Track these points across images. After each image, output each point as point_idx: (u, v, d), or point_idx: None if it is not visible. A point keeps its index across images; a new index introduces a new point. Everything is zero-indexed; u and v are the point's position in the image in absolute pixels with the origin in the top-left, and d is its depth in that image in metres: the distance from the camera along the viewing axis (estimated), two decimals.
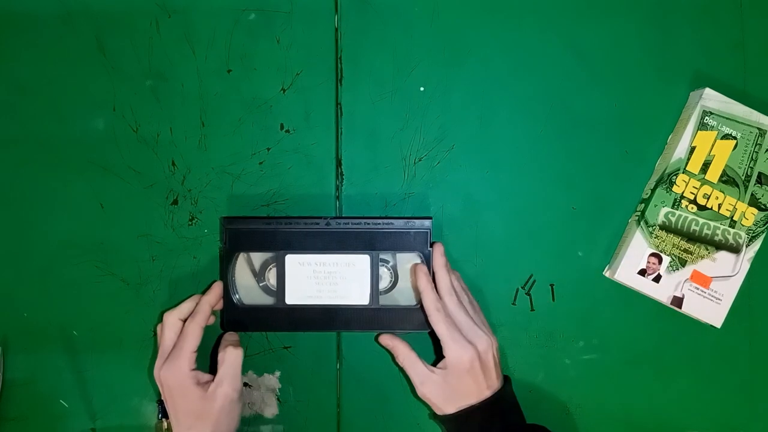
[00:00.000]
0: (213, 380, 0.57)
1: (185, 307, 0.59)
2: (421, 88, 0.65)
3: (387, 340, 0.61)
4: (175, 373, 0.56)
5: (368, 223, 0.60)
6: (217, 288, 0.60)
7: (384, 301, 0.61)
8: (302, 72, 0.64)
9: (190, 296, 0.60)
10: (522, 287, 0.65)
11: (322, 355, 0.64)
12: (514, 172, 0.65)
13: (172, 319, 0.58)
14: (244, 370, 0.63)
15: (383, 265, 0.61)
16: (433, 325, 0.58)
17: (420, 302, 0.59)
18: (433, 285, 0.59)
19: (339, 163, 0.64)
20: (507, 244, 0.65)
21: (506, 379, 0.60)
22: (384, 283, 0.62)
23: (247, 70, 0.64)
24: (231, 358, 0.57)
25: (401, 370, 0.60)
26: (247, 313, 0.60)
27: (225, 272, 0.60)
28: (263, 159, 0.64)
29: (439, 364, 0.58)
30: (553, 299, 0.65)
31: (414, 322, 0.60)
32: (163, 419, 0.62)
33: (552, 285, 0.65)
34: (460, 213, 0.64)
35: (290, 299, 0.60)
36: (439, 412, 0.58)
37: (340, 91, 0.65)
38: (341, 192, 0.64)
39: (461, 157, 0.65)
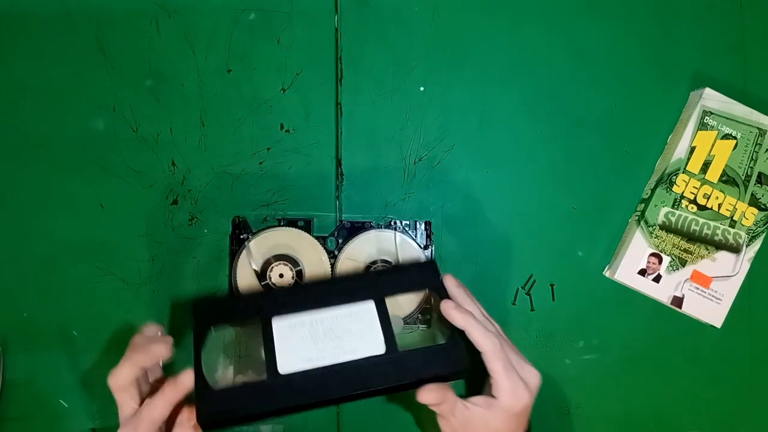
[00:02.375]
0: None
1: (130, 369, 0.49)
2: (421, 88, 0.65)
3: (432, 394, 0.49)
4: None
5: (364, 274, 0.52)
6: (187, 380, 0.49)
7: (403, 342, 0.50)
8: (302, 72, 0.64)
9: (134, 345, 0.51)
10: (522, 287, 0.65)
11: None
12: (514, 172, 0.65)
13: (121, 384, 0.49)
14: None
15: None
16: (489, 364, 0.50)
17: (451, 338, 0.51)
18: (474, 317, 0.52)
19: (339, 163, 0.64)
20: (507, 244, 0.65)
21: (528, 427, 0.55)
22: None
23: (247, 70, 0.64)
24: None
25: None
26: (229, 399, 0.46)
27: (198, 356, 0.49)
28: (263, 159, 0.64)
29: (478, 400, 0.51)
30: (553, 299, 0.65)
31: (450, 362, 0.48)
32: None
33: (552, 285, 0.65)
34: (460, 213, 0.64)
35: (284, 367, 0.48)
36: None
37: (340, 91, 0.65)
38: (341, 192, 0.64)
39: (461, 157, 0.65)
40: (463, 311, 0.52)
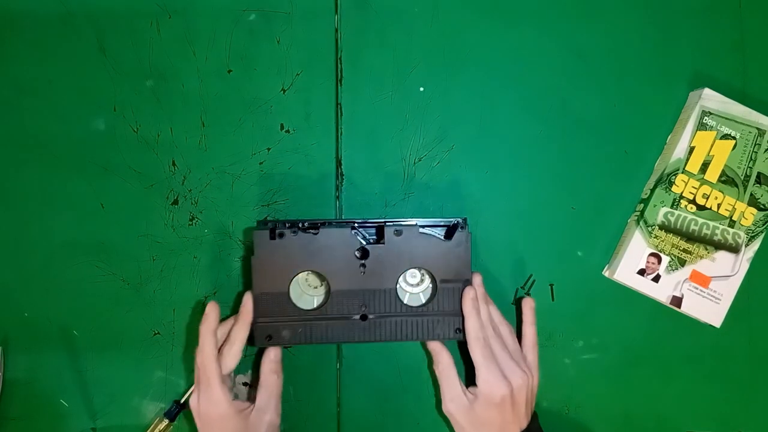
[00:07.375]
0: (251, 407, 0.56)
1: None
2: (421, 88, 0.65)
3: (434, 345, 0.58)
4: (214, 406, 0.55)
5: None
6: (248, 303, 0.57)
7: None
8: (302, 72, 0.64)
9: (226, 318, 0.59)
10: (522, 287, 0.65)
11: (322, 355, 0.64)
12: (514, 172, 0.65)
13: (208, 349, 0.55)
14: (244, 369, 0.63)
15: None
16: (470, 351, 0.56)
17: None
18: (479, 311, 0.57)
19: (339, 163, 0.64)
20: (507, 244, 0.65)
21: (534, 416, 0.58)
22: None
23: (247, 71, 0.64)
24: (272, 385, 0.57)
25: (432, 378, 0.62)
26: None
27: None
28: (263, 159, 0.64)
29: (470, 389, 0.57)
30: (553, 299, 0.65)
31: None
32: (164, 418, 0.62)
33: (552, 285, 0.65)
34: (460, 213, 0.65)
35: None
36: None
37: (340, 91, 0.65)
38: (341, 192, 0.64)
39: (461, 157, 0.65)
40: (473, 303, 0.57)
